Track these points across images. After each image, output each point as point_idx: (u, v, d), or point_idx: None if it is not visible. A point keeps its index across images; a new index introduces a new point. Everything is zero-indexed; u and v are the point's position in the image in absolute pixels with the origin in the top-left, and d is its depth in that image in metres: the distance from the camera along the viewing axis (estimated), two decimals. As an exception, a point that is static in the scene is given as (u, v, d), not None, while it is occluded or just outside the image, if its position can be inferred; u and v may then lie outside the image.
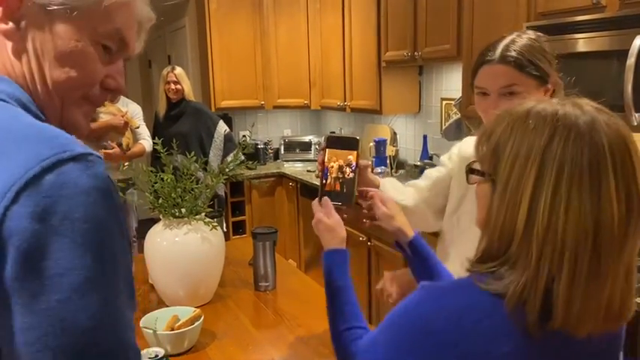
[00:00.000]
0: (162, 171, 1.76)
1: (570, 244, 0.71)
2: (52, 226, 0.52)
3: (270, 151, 4.60)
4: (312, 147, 4.51)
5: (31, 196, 0.52)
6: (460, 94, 2.84)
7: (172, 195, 1.60)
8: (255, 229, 1.88)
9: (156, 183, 1.62)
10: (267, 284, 1.78)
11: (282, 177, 4.22)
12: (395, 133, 3.86)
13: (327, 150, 1.12)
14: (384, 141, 3.68)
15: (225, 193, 3.91)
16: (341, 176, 1.09)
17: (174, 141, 3.79)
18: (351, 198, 1.09)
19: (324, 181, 1.07)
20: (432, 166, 3.30)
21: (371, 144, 3.70)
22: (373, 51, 3.44)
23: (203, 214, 1.67)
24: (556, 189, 0.71)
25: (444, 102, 3.32)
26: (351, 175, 1.10)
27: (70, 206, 0.53)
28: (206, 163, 3.67)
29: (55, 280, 0.52)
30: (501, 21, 2.46)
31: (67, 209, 0.53)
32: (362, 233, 3.04)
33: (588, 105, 0.76)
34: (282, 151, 4.61)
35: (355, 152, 1.12)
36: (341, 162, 1.10)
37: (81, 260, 0.53)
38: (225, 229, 3.67)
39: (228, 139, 3.83)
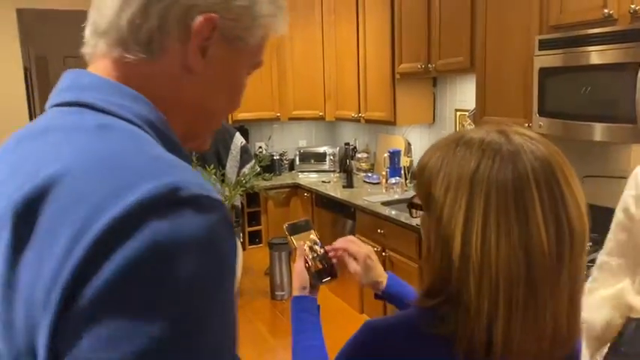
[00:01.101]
0: None
1: (504, 276, 0.71)
2: (137, 276, 0.46)
3: (285, 162, 4.65)
4: (327, 158, 4.56)
5: (131, 237, 0.47)
6: (474, 105, 2.87)
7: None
8: (271, 240, 1.92)
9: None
10: (282, 293, 1.82)
11: (297, 187, 4.27)
12: (409, 144, 3.89)
13: (292, 238, 1.17)
14: (399, 152, 3.71)
15: (242, 203, 3.97)
16: (316, 255, 1.14)
17: (192, 154, 3.89)
18: (335, 270, 1.15)
19: (307, 265, 1.13)
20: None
21: (385, 155, 3.74)
22: (387, 63, 3.49)
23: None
24: (485, 219, 0.72)
25: (458, 113, 3.35)
26: (322, 250, 1.15)
27: (169, 259, 0.47)
28: (223, 175, 3.75)
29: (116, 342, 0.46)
30: (514, 33, 2.50)
31: (165, 262, 0.47)
32: (376, 243, 3.07)
33: (516, 133, 0.77)
34: (298, 162, 4.66)
35: (313, 231, 1.20)
36: (308, 243, 1.16)
37: (149, 322, 0.46)
38: (241, 239, 3.71)
39: (244, 151, 3.88)
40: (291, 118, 4.47)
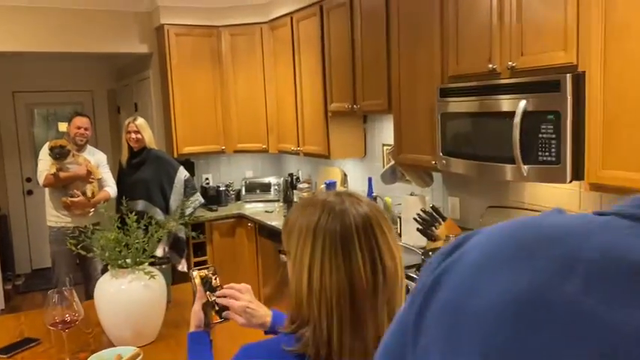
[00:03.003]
0: (126, 216, 1.98)
1: (335, 301, 0.98)
2: None
3: (232, 192, 4.85)
4: (272, 188, 4.78)
5: None
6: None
7: (117, 249, 1.83)
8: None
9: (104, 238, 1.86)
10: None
11: (241, 217, 4.47)
12: (345, 175, 4.15)
13: (195, 282, 1.39)
14: (334, 183, 3.97)
15: (187, 235, 4.14)
16: (212, 300, 1.35)
17: (136, 187, 4.07)
18: (220, 314, 1.35)
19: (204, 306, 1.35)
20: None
21: (322, 185, 3.99)
22: (320, 102, 3.76)
23: (146, 264, 1.91)
24: (322, 259, 0.99)
25: (385, 147, 3.64)
26: (215, 297, 1.36)
27: None
28: (167, 207, 3.93)
29: None
30: (422, 80, 2.80)
31: None
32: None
33: (348, 196, 1.05)
34: (244, 192, 4.87)
35: (215, 278, 1.41)
36: (208, 292, 1.37)
37: None
38: (186, 269, 3.87)
39: (188, 184, 4.07)
40: (236, 151, 4.69)
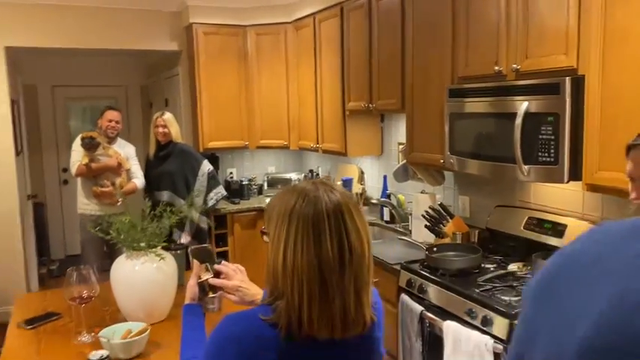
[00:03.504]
0: (153, 205, 2.13)
1: (305, 276, 1.09)
2: None
3: (254, 187, 4.99)
4: (292, 183, 4.90)
5: None
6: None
7: (131, 232, 1.98)
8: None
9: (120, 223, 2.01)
10: (213, 307, 2.14)
11: (263, 211, 4.60)
12: (362, 172, 4.24)
13: (193, 259, 1.53)
14: (351, 180, 4.06)
15: (209, 225, 4.31)
16: (206, 277, 1.49)
17: (162, 179, 4.26)
18: (217, 289, 1.49)
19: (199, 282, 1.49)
20: (389, 204, 3.67)
21: (339, 182, 4.09)
22: (339, 100, 3.87)
23: (159, 247, 2.05)
24: (296, 239, 1.10)
25: (400, 146, 3.71)
26: (211, 273, 1.50)
27: None
28: (191, 202, 4.09)
29: None
30: (433, 82, 2.87)
31: None
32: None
33: (322, 185, 1.16)
34: (266, 187, 5.01)
35: (211, 255, 1.55)
36: (203, 265, 1.51)
37: None
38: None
39: (211, 177, 4.24)
40: (258, 147, 4.84)
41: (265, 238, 1.22)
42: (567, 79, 2.06)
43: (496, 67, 2.42)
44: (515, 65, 2.33)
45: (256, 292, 1.47)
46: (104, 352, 1.54)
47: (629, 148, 1.49)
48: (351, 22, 3.68)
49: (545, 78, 2.17)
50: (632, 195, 1.49)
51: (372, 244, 1.18)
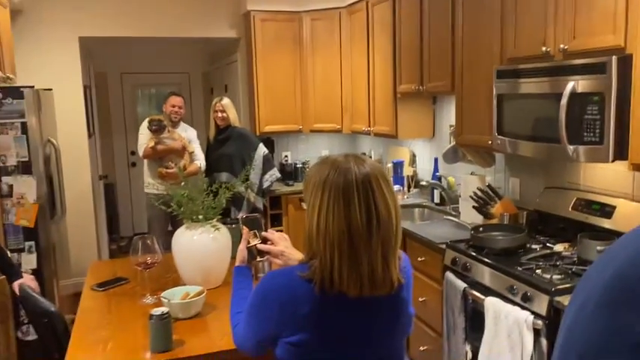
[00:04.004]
0: (208, 186, 2.31)
1: (336, 239, 1.21)
2: None
3: (307, 169, 5.14)
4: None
5: None
6: (455, 124, 3.26)
7: (189, 206, 2.16)
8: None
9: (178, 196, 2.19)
10: (262, 275, 2.30)
11: (316, 193, 4.74)
12: (414, 155, 4.30)
13: (243, 226, 1.69)
14: (402, 162, 4.13)
15: (265, 205, 4.50)
16: (254, 242, 1.64)
17: (221, 161, 4.48)
18: (264, 254, 1.64)
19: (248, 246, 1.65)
20: (439, 186, 3.72)
21: (389, 165, 4.16)
22: (390, 84, 3.93)
23: (214, 220, 2.22)
24: (328, 206, 1.22)
25: (451, 128, 3.73)
26: (259, 239, 1.65)
27: None
28: (246, 179, 4.29)
29: None
30: (482, 64, 2.89)
31: None
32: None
33: (354, 157, 1.27)
34: (320, 170, 5.14)
35: (261, 224, 1.72)
36: (252, 232, 1.67)
37: None
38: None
39: (266, 160, 4.42)
40: (312, 130, 4.97)
41: (303, 204, 1.35)
42: (614, 58, 2.05)
43: (544, 48, 2.42)
44: (562, 45, 2.32)
45: (299, 257, 1.61)
46: (164, 309, 1.72)
47: None
48: (402, 5, 3.72)
49: (593, 58, 2.17)
50: None
51: (400, 212, 1.29)
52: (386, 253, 1.25)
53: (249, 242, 1.64)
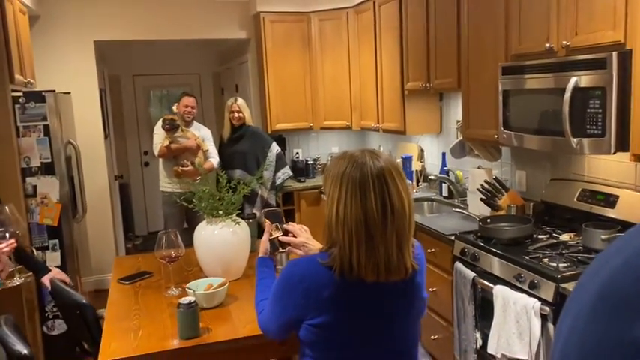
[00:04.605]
0: (226, 183, 2.42)
1: (354, 228, 1.32)
2: None
3: (318, 166, 5.25)
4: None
5: None
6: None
7: (210, 201, 2.28)
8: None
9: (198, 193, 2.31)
10: (281, 267, 2.41)
11: (327, 189, 4.85)
12: (422, 151, 4.39)
13: (265, 220, 1.81)
14: (410, 157, 4.22)
15: (277, 202, 4.62)
16: (277, 234, 1.77)
17: (235, 158, 4.60)
18: (286, 246, 1.77)
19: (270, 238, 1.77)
20: (448, 180, 3.82)
21: (399, 160, 4.26)
22: (398, 81, 4.02)
23: (234, 214, 2.34)
24: (346, 198, 1.33)
25: (458, 123, 3.83)
26: (281, 232, 1.78)
27: None
28: (260, 177, 4.41)
29: None
30: (487, 61, 2.98)
31: None
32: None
33: (369, 153, 1.38)
34: (330, 167, 5.25)
35: (282, 217, 1.84)
36: (274, 225, 1.79)
37: None
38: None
39: (279, 158, 4.54)
40: (322, 128, 5.08)
41: (323, 196, 1.48)
42: (614, 53, 2.13)
43: (547, 44, 2.51)
44: (565, 42, 2.41)
45: (319, 247, 1.72)
46: (191, 298, 1.83)
47: None
48: (409, 4, 3.81)
49: (594, 53, 2.25)
50: None
51: (412, 204, 1.39)
52: (400, 242, 1.36)
53: (271, 234, 1.75)
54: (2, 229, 2.17)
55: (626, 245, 0.52)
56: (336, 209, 1.36)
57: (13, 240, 2.17)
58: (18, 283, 2.32)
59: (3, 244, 2.13)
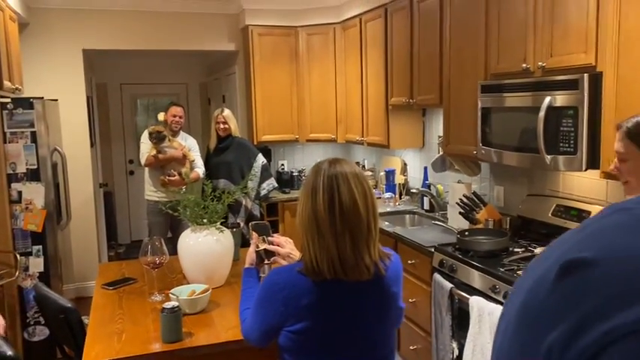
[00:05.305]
0: (211, 192, 2.47)
1: (307, 224, 1.43)
2: None
3: (303, 177, 5.31)
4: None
5: None
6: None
7: (195, 209, 2.33)
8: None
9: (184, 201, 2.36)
10: (264, 275, 2.46)
11: (311, 200, 4.91)
12: (405, 164, 4.48)
13: (252, 232, 1.88)
14: (393, 171, 4.31)
15: (261, 212, 4.66)
16: (263, 246, 1.84)
17: (220, 168, 4.65)
18: (272, 257, 1.84)
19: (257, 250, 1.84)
20: (429, 194, 3.91)
21: (382, 173, 4.35)
22: (382, 96, 4.12)
23: (218, 222, 2.39)
24: (303, 201, 1.44)
25: (440, 139, 3.92)
26: (267, 244, 1.85)
27: None
28: (245, 187, 4.45)
29: None
30: (467, 78, 3.09)
31: None
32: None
33: (337, 162, 1.48)
34: (315, 179, 5.32)
35: (268, 230, 1.90)
36: (261, 238, 1.85)
37: None
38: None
39: (264, 169, 4.59)
40: (308, 140, 5.16)
41: None
42: (585, 75, 2.24)
43: (524, 65, 2.62)
44: (540, 63, 2.52)
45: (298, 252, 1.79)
46: (175, 303, 1.88)
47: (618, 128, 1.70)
48: (394, 22, 3.92)
49: (568, 75, 2.36)
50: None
51: (372, 206, 1.48)
52: (355, 241, 1.44)
53: (257, 246, 1.81)
54: None
55: (548, 256, 0.56)
56: (299, 216, 1.48)
57: None
58: None
59: None
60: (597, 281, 0.48)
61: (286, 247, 1.84)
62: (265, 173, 4.60)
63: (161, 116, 4.47)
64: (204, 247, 2.33)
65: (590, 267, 0.49)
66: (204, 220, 2.36)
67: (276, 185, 4.70)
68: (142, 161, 4.39)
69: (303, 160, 5.52)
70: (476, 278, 2.59)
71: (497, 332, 0.60)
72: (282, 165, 5.45)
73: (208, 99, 7.17)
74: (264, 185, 4.57)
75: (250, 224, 1.97)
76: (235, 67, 5.46)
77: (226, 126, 4.47)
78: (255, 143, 4.98)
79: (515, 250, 2.79)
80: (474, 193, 3.21)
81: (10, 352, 1.79)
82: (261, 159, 4.58)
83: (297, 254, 1.82)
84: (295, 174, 5.24)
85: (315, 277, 1.43)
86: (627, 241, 0.51)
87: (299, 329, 1.46)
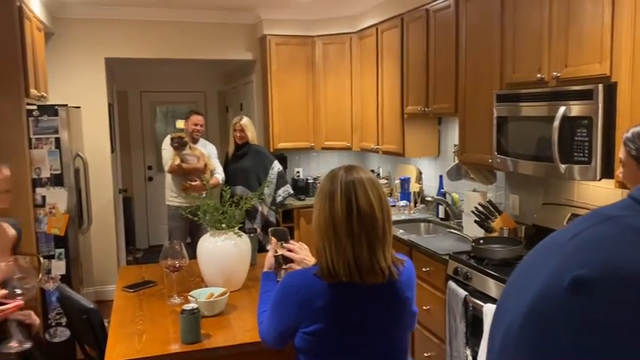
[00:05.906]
0: (229, 198, 2.54)
1: (324, 228, 1.47)
2: None
3: (319, 184, 5.35)
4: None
5: None
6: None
7: (214, 214, 2.39)
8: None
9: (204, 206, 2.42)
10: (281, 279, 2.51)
11: (326, 208, 4.96)
12: (420, 173, 4.51)
13: (272, 237, 1.98)
14: (408, 179, 4.34)
15: (277, 219, 4.72)
16: (281, 251, 1.91)
17: (237, 175, 4.73)
18: (290, 262, 1.91)
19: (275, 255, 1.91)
20: (444, 202, 3.93)
21: (397, 181, 4.38)
22: (398, 104, 4.16)
23: (236, 227, 2.44)
24: (320, 206, 1.48)
25: (455, 147, 3.95)
26: (285, 249, 1.93)
27: None
28: (261, 193, 4.52)
29: None
30: (483, 88, 3.12)
31: None
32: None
33: (348, 169, 1.53)
34: (330, 186, 5.37)
35: (287, 236, 2.00)
36: (279, 243, 1.94)
37: None
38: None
39: (280, 176, 4.66)
40: (323, 148, 5.21)
41: None
42: (600, 85, 2.26)
43: (539, 75, 2.65)
44: (555, 73, 2.54)
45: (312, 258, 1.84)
46: (194, 305, 1.93)
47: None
48: (410, 32, 3.97)
49: (582, 85, 2.38)
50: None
51: (386, 210, 1.53)
52: (371, 244, 1.48)
53: (276, 251, 1.87)
54: (18, 284, 1.92)
55: (539, 270, 0.58)
56: (315, 220, 1.52)
57: (21, 301, 1.94)
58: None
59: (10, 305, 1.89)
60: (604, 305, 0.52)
61: (301, 253, 1.90)
62: (281, 180, 4.66)
63: (180, 123, 4.56)
64: (223, 251, 2.38)
65: (594, 288, 0.53)
66: (223, 225, 2.42)
67: (292, 192, 4.75)
68: (166, 168, 4.49)
69: (318, 168, 5.57)
70: (490, 286, 2.61)
71: (496, 331, 0.61)
72: (298, 172, 5.51)
73: (226, 107, 7.27)
74: (279, 192, 4.63)
75: (270, 230, 2.03)
76: (253, 76, 5.55)
77: (243, 134, 4.55)
78: (271, 150, 5.05)
79: (530, 258, 2.80)
80: (490, 202, 3.23)
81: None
82: (277, 166, 4.65)
83: (311, 260, 1.87)
84: (310, 181, 5.30)
85: (330, 279, 1.47)
86: (624, 257, 0.55)
87: (314, 331, 1.50)
